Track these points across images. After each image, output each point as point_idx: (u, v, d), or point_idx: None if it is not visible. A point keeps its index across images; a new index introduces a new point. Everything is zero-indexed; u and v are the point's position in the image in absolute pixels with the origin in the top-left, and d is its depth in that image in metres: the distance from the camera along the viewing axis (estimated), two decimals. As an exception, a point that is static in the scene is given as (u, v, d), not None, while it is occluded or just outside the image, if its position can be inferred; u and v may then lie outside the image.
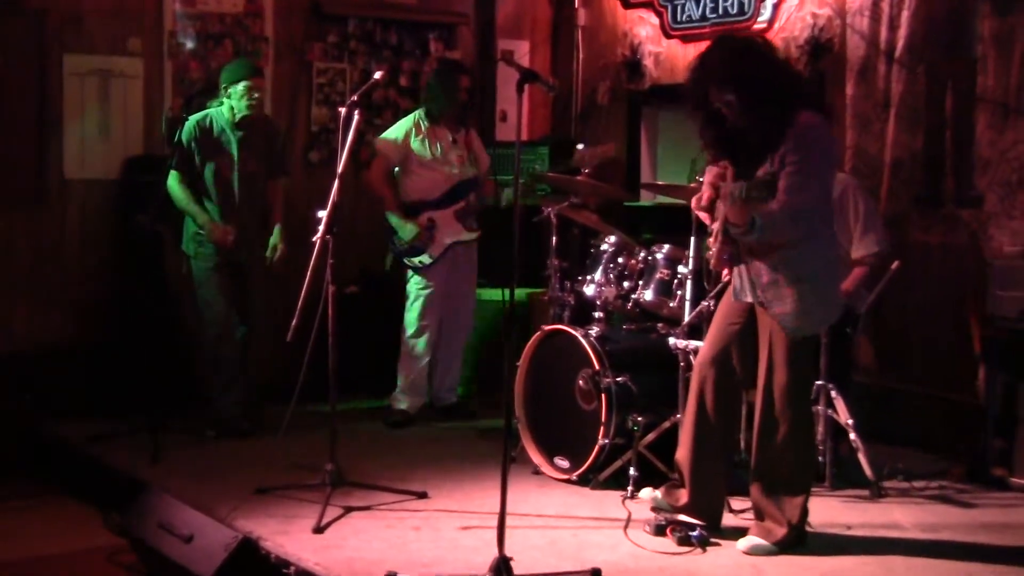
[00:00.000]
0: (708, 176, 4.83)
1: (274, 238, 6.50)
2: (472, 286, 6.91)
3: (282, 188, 6.70)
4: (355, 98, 5.37)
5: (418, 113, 6.76)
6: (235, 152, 6.40)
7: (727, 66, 4.52)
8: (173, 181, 6.31)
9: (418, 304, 6.71)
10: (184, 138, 6.31)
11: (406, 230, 6.63)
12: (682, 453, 4.92)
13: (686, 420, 4.93)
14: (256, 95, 6.36)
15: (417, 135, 6.68)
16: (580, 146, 6.43)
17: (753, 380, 4.79)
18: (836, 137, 4.73)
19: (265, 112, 6.98)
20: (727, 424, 4.91)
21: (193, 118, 6.37)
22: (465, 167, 6.74)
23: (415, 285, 6.73)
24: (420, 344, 6.73)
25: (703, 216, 4.83)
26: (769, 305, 4.59)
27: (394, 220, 6.66)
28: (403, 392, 6.81)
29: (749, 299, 4.69)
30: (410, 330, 6.73)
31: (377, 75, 5.65)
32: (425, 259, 6.68)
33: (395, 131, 6.73)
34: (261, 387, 6.62)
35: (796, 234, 4.51)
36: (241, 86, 6.30)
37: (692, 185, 5.33)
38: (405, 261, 6.72)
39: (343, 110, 5.35)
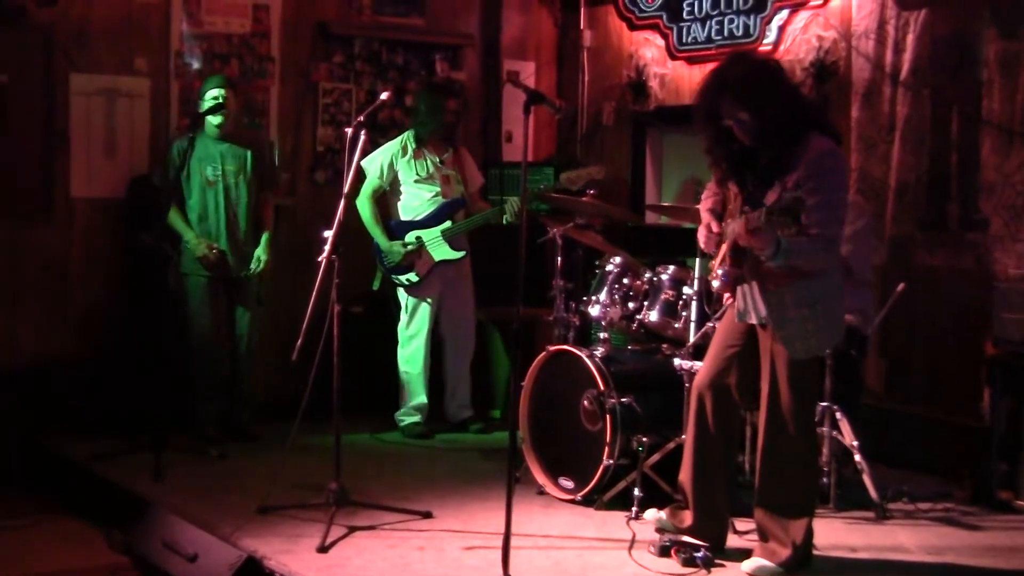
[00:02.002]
0: (705, 204, 4.82)
1: (259, 249, 6.64)
2: (469, 302, 6.99)
3: (271, 202, 6.83)
4: (361, 118, 5.40)
5: (407, 135, 6.90)
6: (219, 166, 6.53)
7: (745, 82, 4.46)
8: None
9: (409, 320, 6.89)
10: (173, 158, 6.44)
11: (392, 251, 6.77)
12: (685, 475, 4.91)
13: (687, 443, 4.92)
14: (220, 101, 6.47)
15: (403, 156, 6.84)
16: (565, 174, 6.48)
17: (754, 402, 4.78)
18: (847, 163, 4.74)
19: (256, 128, 7.21)
20: (728, 446, 4.89)
21: (176, 143, 6.53)
22: (452, 187, 6.86)
23: (407, 303, 6.89)
24: (412, 358, 6.88)
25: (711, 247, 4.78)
26: (773, 327, 4.58)
27: (381, 241, 6.80)
28: (408, 408, 6.94)
29: (752, 320, 4.68)
30: (401, 346, 6.91)
31: (383, 96, 5.67)
32: (412, 277, 6.82)
33: (381, 153, 6.87)
34: (266, 405, 6.69)
35: (826, 264, 4.49)
36: (208, 96, 6.50)
37: (697, 206, 5.32)
38: (393, 279, 6.86)
39: (349, 130, 5.37)
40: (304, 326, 5.19)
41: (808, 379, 4.66)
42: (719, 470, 4.84)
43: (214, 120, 6.48)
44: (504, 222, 6.64)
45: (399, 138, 6.91)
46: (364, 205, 6.80)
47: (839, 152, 4.62)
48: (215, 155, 6.54)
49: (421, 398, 6.92)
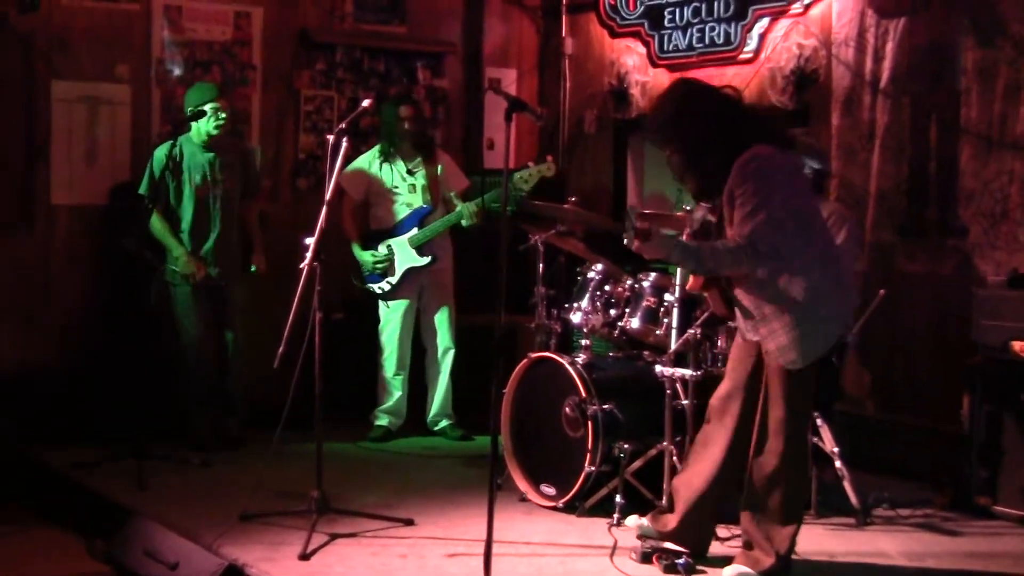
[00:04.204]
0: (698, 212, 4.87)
1: (255, 257, 6.76)
2: (445, 308, 7.03)
3: (255, 210, 6.88)
4: (343, 126, 5.41)
5: (376, 148, 7.01)
6: (208, 174, 6.51)
7: (665, 126, 4.69)
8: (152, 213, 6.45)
9: (384, 326, 7.01)
10: (156, 169, 6.42)
11: (364, 260, 6.91)
12: (680, 479, 4.89)
13: (692, 448, 4.90)
14: (223, 115, 6.52)
15: (370, 168, 6.96)
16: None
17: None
18: (790, 162, 4.67)
19: (237, 135, 7.20)
20: (729, 462, 4.80)
21: (161, 148, 6.50)
22: (418, 195, 6.94)
23: (382, 309, 7.01)
24: (389, 364, 6.99)
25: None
26: (763, 340, 4.58)
27: (356, 251, 6.94)
28: (382, 411, 7.03)
29: (752, 337, 4.68)
30: (381, 352, 7.02)
31: (365, 103, 5.68)
32: (384, 286, 6.93)
33: (355, 165, 6.96)
34: (250, 411, 6.67)
35: (751, 266, 4.48)
36: (208, 108, 6.43)
37: (679, 214, 5.34)
38: (368, 288, 6.98)
39: (331, 138, 5.38)
40: (286, 333, 5.19)
41: (801, 392, 4.60)
42: (715, 484, 4.80)
43: (211, 129, 6.47)
44: (464, 224, 6.70)
45: (370, 151, 7.02)
46: (345, 219, 6.93)
47: (764, 155, 4.51)
48: (203, 162, 6.54)
49: (391, 402, 7.01)
